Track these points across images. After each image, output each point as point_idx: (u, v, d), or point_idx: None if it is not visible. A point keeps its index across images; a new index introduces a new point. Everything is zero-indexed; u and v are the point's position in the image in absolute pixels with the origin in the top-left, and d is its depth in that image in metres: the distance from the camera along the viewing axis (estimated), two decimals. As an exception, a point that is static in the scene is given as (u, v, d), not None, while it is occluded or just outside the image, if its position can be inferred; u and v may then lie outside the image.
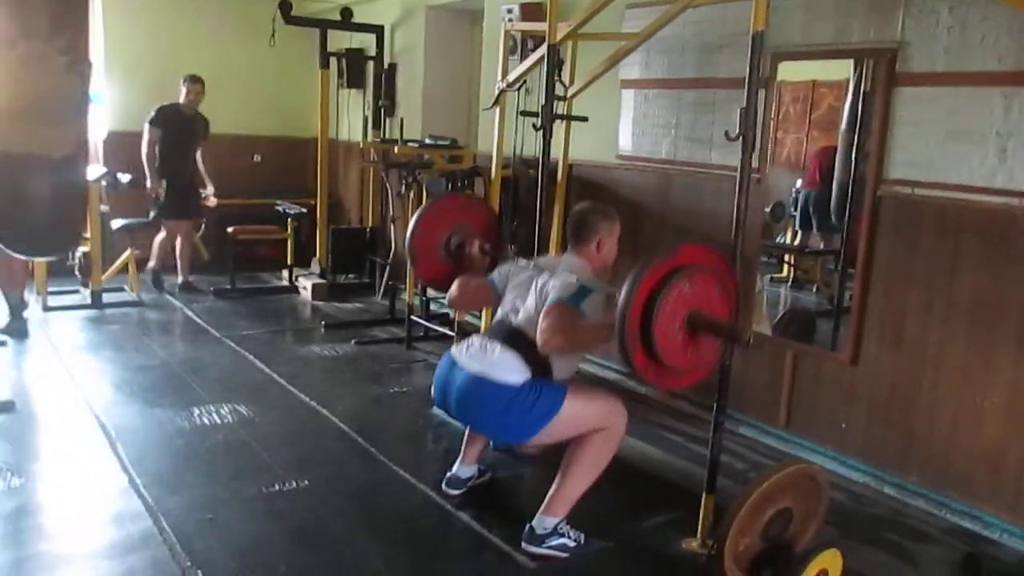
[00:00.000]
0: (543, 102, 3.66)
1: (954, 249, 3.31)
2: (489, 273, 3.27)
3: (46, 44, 3.73)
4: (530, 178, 5.11)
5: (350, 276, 7.03)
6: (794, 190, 5.38)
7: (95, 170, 6.09)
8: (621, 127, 4.84)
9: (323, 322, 5.82)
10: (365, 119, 6.95)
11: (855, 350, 3.65)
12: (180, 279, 6.64)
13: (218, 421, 3.93)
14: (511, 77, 4.36)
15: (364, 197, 7.27)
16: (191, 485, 3.27)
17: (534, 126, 3.68)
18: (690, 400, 4.41)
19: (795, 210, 5.37)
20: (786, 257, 5.60)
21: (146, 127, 6.37)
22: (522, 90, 4.90)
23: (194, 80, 6.44)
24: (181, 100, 6.43)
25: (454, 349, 3.03)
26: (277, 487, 3.27)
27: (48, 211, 3.82)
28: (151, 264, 6.69)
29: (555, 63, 3.88)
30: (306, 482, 3.33)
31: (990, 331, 3.21)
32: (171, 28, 7.50)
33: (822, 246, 5.28)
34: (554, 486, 2.88)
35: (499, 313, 3.10)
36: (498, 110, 4.54)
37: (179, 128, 6.42)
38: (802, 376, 3.92)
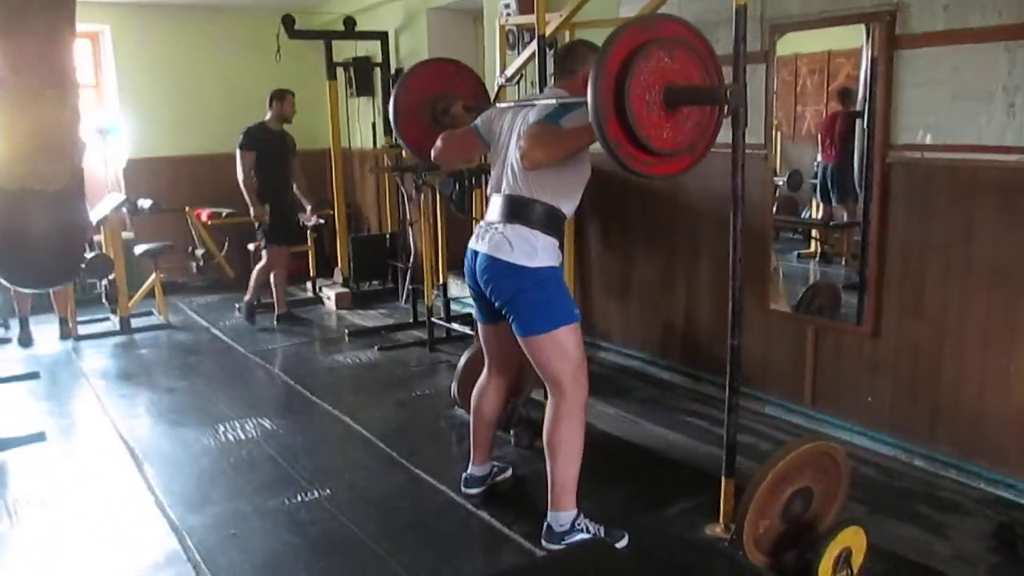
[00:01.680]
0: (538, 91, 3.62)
1: (969, 211, 3.21)
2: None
3: (36, 78, 3.79)
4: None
5: (373, 283, 7.08)
6: (816, 163, 5.30)
7: (114, 198, 6.21)
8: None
9: (347, 330, 5.85)
10: (373, 126, 6.97)
11: (876, 322, 3.57)
12: (278, 310, 6.26)
13: (242, 436, 3.97)
14: (509, 72, 4.34)
15: (381, 204, 7.29)
16: (215, 502, 3.31)
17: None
18: (715, 383, 4.35)
19: (816, 184, 5.29)
20: (812, 232, 5.51)
21: (238, 153, 5.95)
22: (526, 83, 4.89)
23: (282, 95, 6.06)
24: (267, 118, 6.06)
25: (472, 238, 2.93)
26: (300, 498, 3.29)
27: (46, 245, 3.87)
28: (247, 297, 6.28)
29: (548, 54, 3.83)
30: (328, 491, 3.34)
31: (1012, 293, 3.11)
32: (180, 53, 7.62)
33: (845, 218, 5.18)
34: (549, 482, 2.85)
35: (493, 173, 2.96)
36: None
37: (271, 148, 6.02)
38: (824, 352, 3.84)
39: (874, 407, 3.64)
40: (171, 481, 3.50)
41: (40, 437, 4.01)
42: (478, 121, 3.08)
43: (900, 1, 3.31)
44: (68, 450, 3.94)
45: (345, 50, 7.16)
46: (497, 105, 3.12)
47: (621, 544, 2.86)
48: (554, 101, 2.76)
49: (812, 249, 5.50)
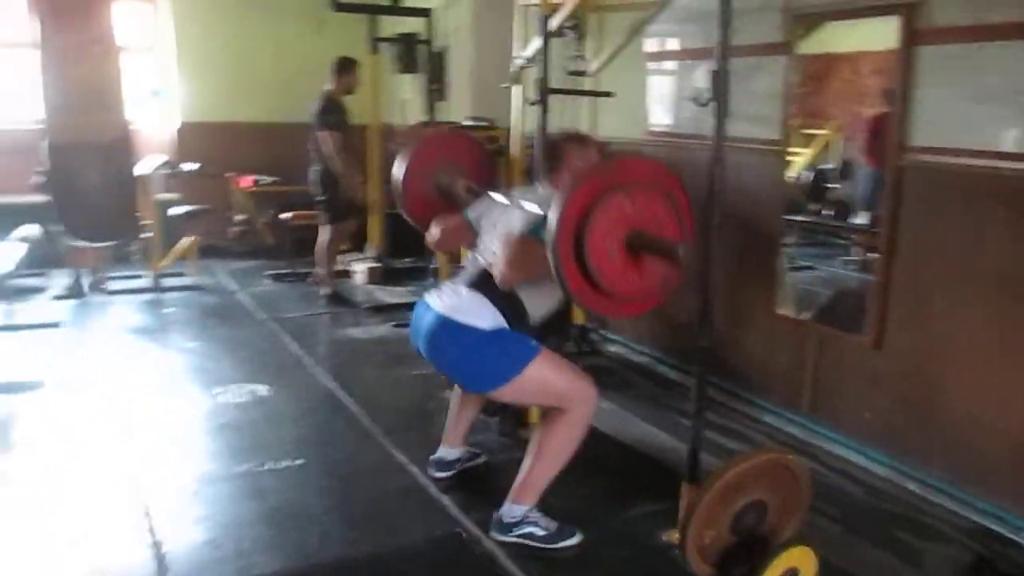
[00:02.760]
0: (566, 75, 3.50)
1: (981, 221, 3.01)
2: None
3: (79, 35, 3.89)
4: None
5: (405, 260, 7.07)
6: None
7: (155, 159, 6.34)
8: (649, 102, 4.65)
9: (365, 305, 5.87)
10: (402, 102, 6.91)
11: (878, 333, 3.39)
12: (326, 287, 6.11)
13: (235, 401, 4.01)
14: (528, 53, 4.25)
15: (418, 181, 7.26)
16: (188, 460, 3.35)
17: (528, 101, 3.57)
18: (719, 386, 4.21)
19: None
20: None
21: (327, 134, 5.64)
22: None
23: (350, 65, 5.82)
24: (331, 88, 5.79)
25: (425, 297, 2.91)
26: (269, 466, 3.30)
27: (104, 197, 3.99)
28: (326, 290, 6.06)
29: (559, 35, 3.76)
30: (300, 461, 3.35)
31: (1022, 312, 2.91)
32: (235, 20, 7.69)
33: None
34: (520, 473, 2.80)
35: (471, 253, 2.97)
36: (520, 87, 4.43)
37: (346, 120, 5.81)
38: (826, 360, 3.67)
39: (871, 423, 3.46)
40: (152, 438, 3.56)
41: (36, 384, 4.11)
42: (470, 212, 3.06)
43: (924, -8, 3.11)
44: (60, 400, 4.02)
45: (393, 25, 7.15)
46: (491, 197, 3.07)
47: (572, 542, 2.79)
48: (538, 211, 2.68)
49: (857, 256, 5.29)
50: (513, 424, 3.63)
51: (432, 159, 3.40)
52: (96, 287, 6.06)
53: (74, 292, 5.91)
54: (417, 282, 6.66)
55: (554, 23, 3.80)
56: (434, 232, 3.15)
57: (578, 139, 2.96)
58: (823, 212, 5.31)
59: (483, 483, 3.22)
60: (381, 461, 3.40)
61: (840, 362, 3.61)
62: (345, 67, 5.82)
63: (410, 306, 5.74)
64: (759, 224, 3.93)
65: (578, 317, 4.73)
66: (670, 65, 4.57)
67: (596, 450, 3.52)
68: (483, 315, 2.68)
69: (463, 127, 5.78)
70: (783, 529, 2.55)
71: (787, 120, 3.79)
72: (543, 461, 2.75)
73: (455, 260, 5.19)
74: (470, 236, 3.03)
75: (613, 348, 4.96)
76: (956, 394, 3.13)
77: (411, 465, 3.33)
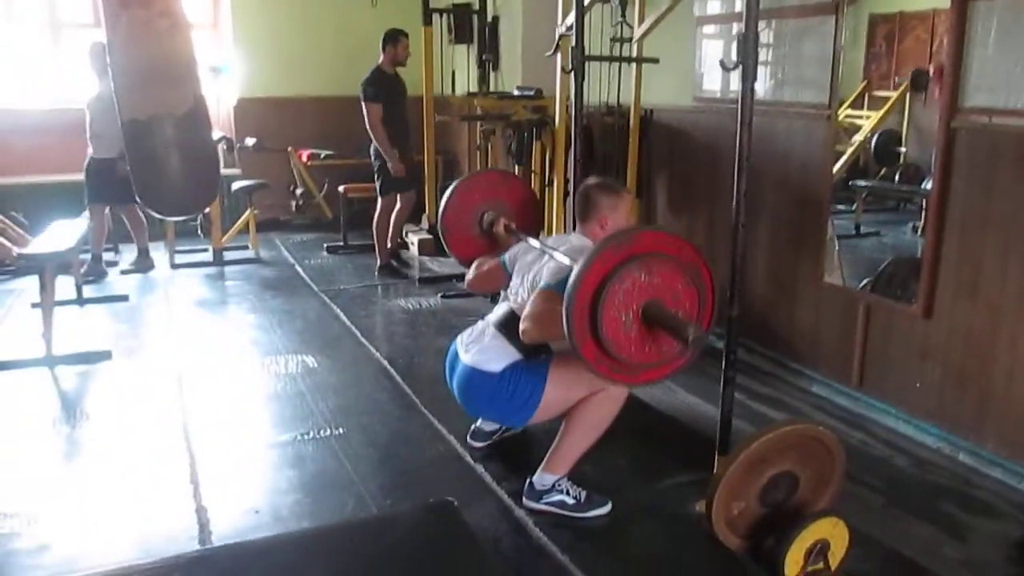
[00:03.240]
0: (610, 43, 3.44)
1: (1036, 186, 2.87)
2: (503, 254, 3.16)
3: (146, 10, 3.97)
4: (606, 125, 4.94)
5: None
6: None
7: (213, 134, 6.49)
8: (696, 67, 4.55)
9: (418, 276, 5.93)
10: (452, 73, 6.90)
11: (928, 302, 3.27)
12: (381, 260, 6.16)
13: (283, 371, 4.11)
14: (569, 20, 4.18)
15: (472, 153, 7.28)
16: (236, 429, 3.46)
17: (564, 70, 3.52)
18: (765, 355, 4.14)
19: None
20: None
21: (365, 105, 5.73)
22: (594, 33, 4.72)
23: (396, 37, 5.84)
24: (381, 61, 5.86)
25: (460, 337, 3.01)
26: (312, 435, 3.38)
27: (182, 170, 4.09)
28: (381, 261, 6.15)
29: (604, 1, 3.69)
30: (341, 431, 3.42)
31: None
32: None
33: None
34: (554, 444, 2.82)
35: (502, 295, 3.04)
36: (560, 56, 4.37)
37: (394, 93, 5.88)
38: (875, 331, 3.57)
39: (922, 394, 3.36)
40: (203, 407, 3.68)
41: (106, 355, 4.29)
42: (506, 256, 3.11)
43: (978, -56, 2.95)
44: (126, 369, 4.20)
45: (445, -3, 7.14)
46: (527, 242, 3.07)
47: (602, 511, 2.80)
48: (568, 262, 2.64)
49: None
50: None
51: (476, 197, 3.42)
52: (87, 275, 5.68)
53: (141, 266, 6.12)
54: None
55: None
56: (470, 275, 3.27)
57: (609, 189, 2.95)
58: (894, 176, 5.14)
59: (519, 454, 3.23)
60: (421, 430, 3.45)
61: (889, 332, 3.50)
62: (390, 39, 5.84)
63: (460, 276, 5.86)
64: (807, 191, 3.82)
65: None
66: (717, 29, 4.45)
67: (634, 420, 3.51)
68: (500, 355, 2.78)
69: (512, 96, 5.74)
70: (816, 502, 2.50)
71: (836, 83, 3.65)
72: (575, 434, 2.78)
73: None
74: (504, 279, 3.09)
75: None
76: (1009, 365, 3.01)
77: (449, 435, 3.37)
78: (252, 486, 2.99)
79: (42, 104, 7.02)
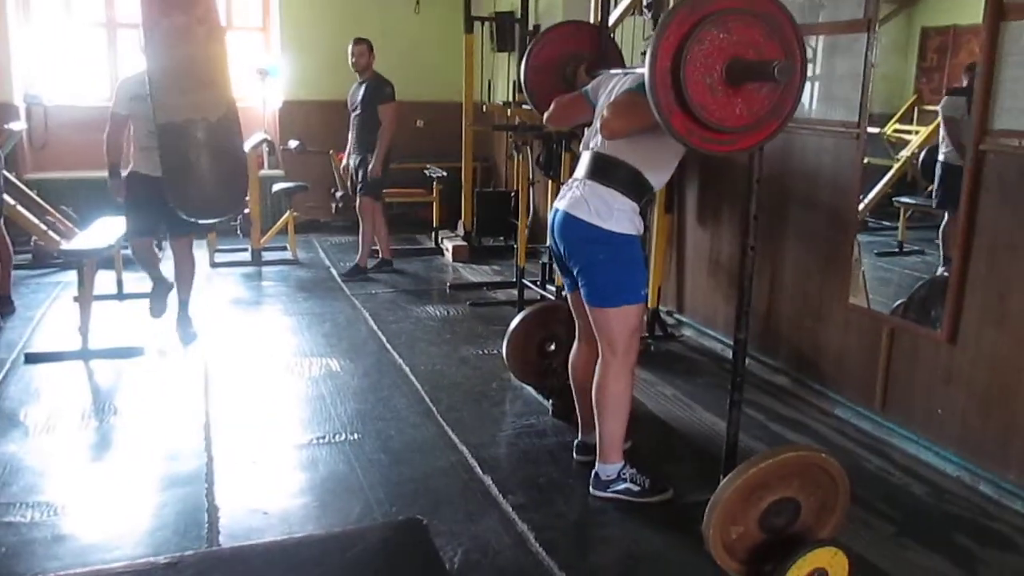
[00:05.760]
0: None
1: (1066, 212, 2.79)
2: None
3: (185, 16, 4.08)
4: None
5: (499, 239, 7.13)
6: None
7: (255, 137, 6.62)
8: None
9: (448, 283, 5.97)
10: (489, 83, 6.93)
11: (953, 327, 3.20)
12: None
13: (307, 374, 4.18)
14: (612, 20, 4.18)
15: (509, 160, 7.31)
16: (253, 430, 3.52)
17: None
18: (789, 375, 4.09)
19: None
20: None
21: (391, 107, 6.09)
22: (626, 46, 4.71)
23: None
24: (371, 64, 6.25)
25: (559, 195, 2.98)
26: (328, 439, 3.43)
27: (215, 173, 4.20)
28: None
29: (639, 13, 3.67)
30: (356, 435, 3.46)
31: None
32: (335, 2, 7.90)
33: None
34: (598, 436, 2.97)
35: (587, 134, 2.98)
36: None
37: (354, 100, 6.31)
38: (899, 355, 3.49)
39: (944, 421, 3.28)
40: (225, 406, 3.76)
41: (138, 351, 4.41)
42: (588, 86, 3.08)
43: (1012, -39, 2.88)
44: (157, 365, 4.31)
45: (490, 4, 7.18)
46: (609, 72, 3.06)
47: (665, 496, 2.96)
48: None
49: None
50: (566, 406, 3.63)
51: (555, 50, 3.39)
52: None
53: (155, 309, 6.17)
54: (503, 262, 6.73)
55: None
56: (551, 108, 3.15)
57: None
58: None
59: (530, 468, 3.24)
60: (434, 439, 3.47)
61: (913, 356, 3.42)
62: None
63: (492, 285, 5.89)
64: (835, 210, 3.76)
65: (651, 302, 4.67)
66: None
67: (648, 437, 3.52)
68: (601, 210, 2.76)
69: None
70: (819, 530, 2.46)
71: (866, 102, 3.58)
72: (608, 416, 2.91)
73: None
74: (587, 109, 3.03)
75: (686, 332, 4.87)
76: (1033, 395, 2.93)
77: (462, 445, 3.39)
78: (264, 487, 3.04)
79: (98, 101, 7.21)
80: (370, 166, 6.09)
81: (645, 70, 2.22)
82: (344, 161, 6.57)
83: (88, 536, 2.70)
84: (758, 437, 3.53)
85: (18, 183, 6.31)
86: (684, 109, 2.21)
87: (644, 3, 4.30)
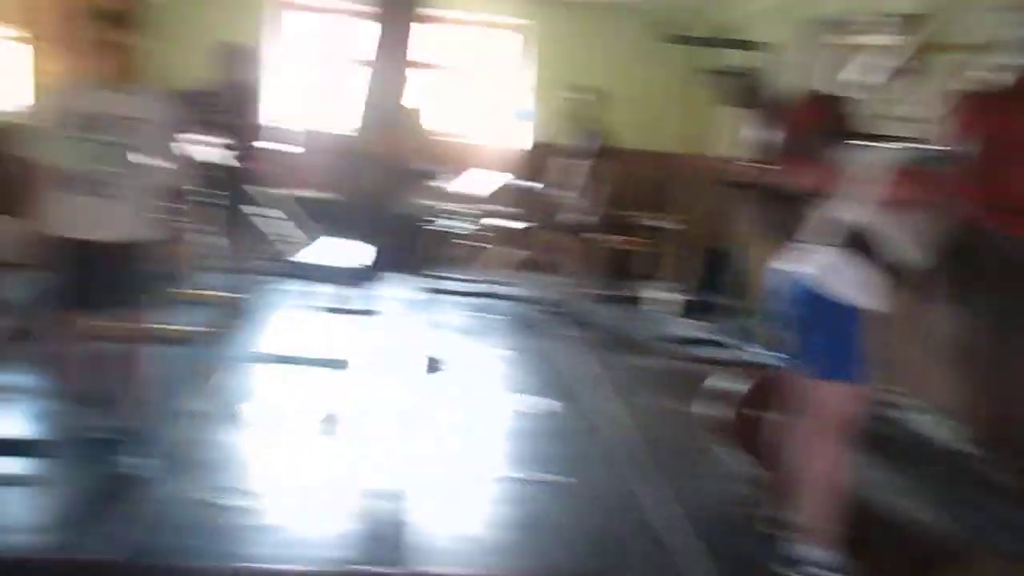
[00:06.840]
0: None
1: None
2: None
3: (392, 60, 4.52)
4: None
5: (713, 294, 7.01)
6: None
7: (501, 177, 7.02)
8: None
9: (662, 336, 6.00)
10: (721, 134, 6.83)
11: None
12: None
13: (526, 410, 4.32)
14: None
15: (722, 217, 7.17)
16: (455, 460, 3.66)
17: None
18: None
19: None
20: None
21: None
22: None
23: None
24: None
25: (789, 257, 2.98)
26: (537, 477, 3.52)
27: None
28: None
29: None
30: (569, 479, 3.51)
31: None
32: (582, 48, 8.18)
33: None
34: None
35: (832, 201, 2.97)
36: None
37: None
38: None
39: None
40: (436, 431, 3.91)
41: (341, 363, 4.56)
42: (841, 160, 3.08)
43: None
44: (358, 380, 4.42)
45: (719, 57, 7.15)
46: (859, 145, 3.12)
47: None
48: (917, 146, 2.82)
49: None
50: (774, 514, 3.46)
51: (804, 118, 3.53)
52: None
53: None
54: (728, 319, 6.54)
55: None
56: (806, 175, 3.24)
57: None
58: None
59: (736, 545, 3.13)
60: (644, 493, 3.43)
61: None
62: None
63: (715, 343, 5.80)
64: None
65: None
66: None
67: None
68: (852, 281, 2.73)
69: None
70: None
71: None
72: (806, 499, 2.78)
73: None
74: (839, 180, 3.01)
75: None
76: None
77: (674, 503, 3.34)
78: (463, 514, 3.19)
79: (339, 129, 7.59)
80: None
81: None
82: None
83: (288, 531, 2.92)
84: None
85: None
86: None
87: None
